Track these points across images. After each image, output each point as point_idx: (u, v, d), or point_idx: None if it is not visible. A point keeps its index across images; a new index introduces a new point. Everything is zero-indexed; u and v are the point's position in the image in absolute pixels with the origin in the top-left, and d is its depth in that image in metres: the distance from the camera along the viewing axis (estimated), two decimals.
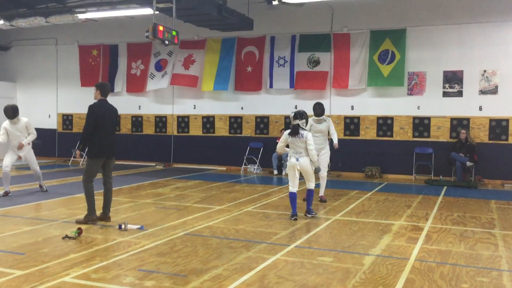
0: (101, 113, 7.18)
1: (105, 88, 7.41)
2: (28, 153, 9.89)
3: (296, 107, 14.48)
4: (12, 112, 9.60)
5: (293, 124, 7.67)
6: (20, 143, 9.65)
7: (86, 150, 7.24)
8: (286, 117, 14.61)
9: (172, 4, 9.77)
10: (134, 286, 4.60)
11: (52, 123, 17.64)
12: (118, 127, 16.73)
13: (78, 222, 7.09)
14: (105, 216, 7.28)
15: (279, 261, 5.47)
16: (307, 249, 6.03)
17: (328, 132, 9.36)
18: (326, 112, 13.93)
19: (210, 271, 5.06)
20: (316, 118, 9.26)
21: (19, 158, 9.92)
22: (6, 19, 14.25)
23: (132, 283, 4.68)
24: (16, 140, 9.67)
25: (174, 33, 9.47)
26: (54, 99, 17.63)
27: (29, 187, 10.66)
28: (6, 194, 9.46)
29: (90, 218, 7.17)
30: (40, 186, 10.17)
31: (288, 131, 7.73)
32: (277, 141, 14.50)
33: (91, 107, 7.20)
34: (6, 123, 9.69)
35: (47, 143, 17.43)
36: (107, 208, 7.36)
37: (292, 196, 7.75)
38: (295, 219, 7.58)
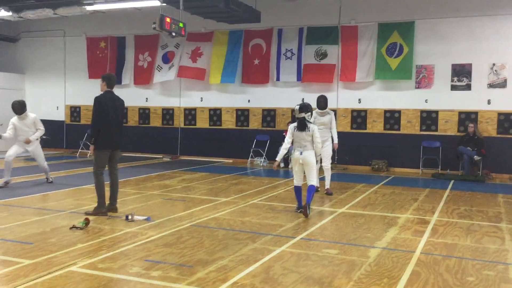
0: (107, 105, 7.16)
1: (111, 80, 7.38)
2: (36, 149, 9.92)
3: (303, 100, 14.42)
4: (19, 108, 9.61)
5: (299, 117, 7.48)
6: (27, 138, 9.66)
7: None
8: (293, 110, 14.55)
9: None
10: (140, 276, 4.64)
11: (60, 115, 17.74)
12: (126, 119, 16.80)
13: (87, 214, 7.09)
14: (112, 207, 7.32)
15: (285, 253, 5.49)
16: (313, 241, 6.05)
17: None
18: (333, 106, 14.02)
19: (216, 262, 5.09)
20: (319, 111, 9.33)
21: (26, 151, 9.94)
22: (15, 11, 14.31)
23: (138, 273, 4.72)
24: (24, 136, 9.69)
25: (181, 24, 9.46)
26: (62, 90, 17.71)
27: (37, 178, 10.73)
28: (6, 183, 9.46)
29: (99, 211, 7.17)
30: (47, 178, 10.22)
31: (294, 124, 7.54)
32: (284, 134, 14.52)
33: (97, 99, 7.18)
34: (15, 118, 9.73)
35: (55, 134, 17.56)
36: (114, 199, 7.40)
37: (297, 190, 7.67)
38: (301, 212, 7.49)
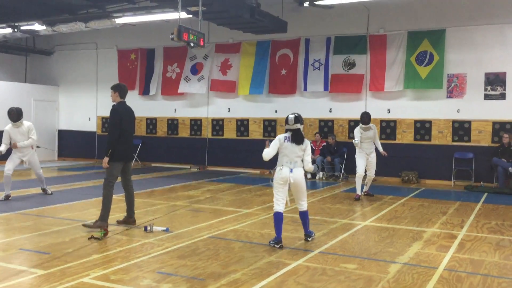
0: (123, 116, 7.07)
1: (123, 90, 7.21)
2: (32, 158, 9.75)
3: (330, 111, 14.32)
4: (16, 115, 9.46)
5: (294, 129, 6.34)
6: (14, 143, 9.45)
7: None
8: (321, 121, 14.43)
9: (202, 7, 9.78)
10: None
11: (92, 126, 18.07)
12: (156, 130, 16.98)
13: (85, 225, 6.85)
14: (131, 220, 7.26)
15: (301, 267, 5.34)
16: (331, 255, 5.87)
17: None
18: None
19: (228, 275, 4.99)
20: (364, 126, 10.10)
21: (22, 162, 9.78)
22: (49, 25, 14.75)
23: (149, 285, 4.67)
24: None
25: (199, 35, 9.48)
26: (94, 102, 18.06)
27: (67, 188, 10.91)
28: (7, 197, 9.34)
29: (101, 225, 6.71)
30: (43, 189, 10.09)
31: (284, 135, 6.39)
32: (312, 145, 14.30)
33: (114, 109, 7.05)
34: (9, 126, 9.52)
35: (87, 145, 17.92)
36: (132, 211, 7.31)
37: (279, 217, 6.26)
38: (281, 247, 6.09)
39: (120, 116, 7.03)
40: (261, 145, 14.91)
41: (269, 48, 14.99)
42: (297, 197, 6.48)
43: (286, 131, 6.44)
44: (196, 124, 16.33)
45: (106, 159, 6.94)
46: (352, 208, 9.14)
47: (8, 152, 9.69)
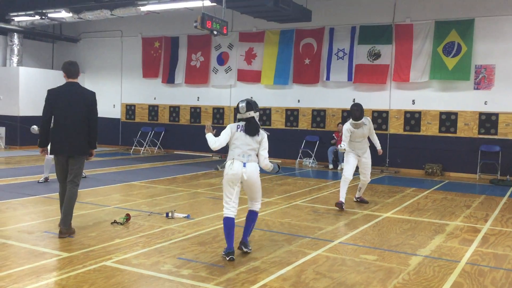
0: (55, 99, 5.85)
1: (68, 68, 5.94)
2: None
3: (354, 101, 14.13)
4: None
5: (247, 118, 5.36)
6: None
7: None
8: (344, 111, 14.30)
9: None
10: (170, 273, 4.64)
11: (116, 113, 18.29)
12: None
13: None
14: (59, 229, 5.80)
15: (320, 257, 5.34)
16: (351, 246, 5.85)
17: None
18: (386, 106, 13.64)
19: (248, 263, 5.02)
20: (354, 122, 7.93)
21: None
22: (75, 12, 14.96)
23: (169, 270, 4.73)
24: None
25: (222, 23, 9.46)
26: (118, 89, 18.26)
27: (91, 173, 11.10)
28: (46, 180, 9.63)
29: (64, 229, 5.76)
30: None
31: (236, 124, 5.44)
32: (334, 135, 14.27)
33: (47, 92, 5.94)
34: None
35: (112, 132, 18.16)
36: (62, 219, 5.81)
37: (230, 224, 5.25)
38: (231, 259, 5.07)
39: (50, 100, 5.87)
40: (283, 134, 15.06)
41: (293, 37, 14.89)
42: (250, 196, 5.45)
43: (239, 120, 5.45)
44: (218, 112, 16.38)
45: (40, 150, 6.10)
46: (373, 199, 9.06)
47: None
